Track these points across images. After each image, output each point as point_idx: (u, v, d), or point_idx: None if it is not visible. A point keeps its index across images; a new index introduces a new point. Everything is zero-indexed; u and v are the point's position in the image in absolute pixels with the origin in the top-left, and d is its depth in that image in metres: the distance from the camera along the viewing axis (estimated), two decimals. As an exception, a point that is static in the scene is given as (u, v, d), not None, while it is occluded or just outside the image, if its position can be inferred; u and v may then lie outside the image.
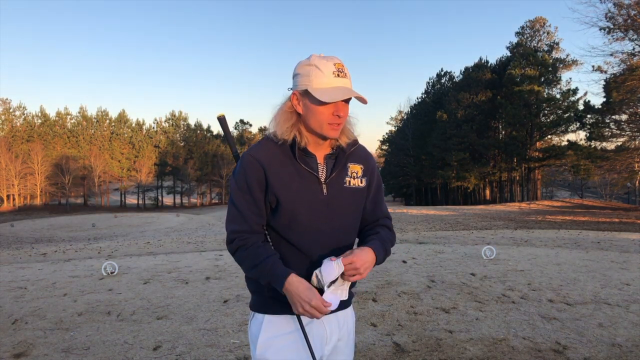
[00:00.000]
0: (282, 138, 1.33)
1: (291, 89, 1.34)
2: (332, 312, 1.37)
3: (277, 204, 1.32)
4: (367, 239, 1.42)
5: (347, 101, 1.31)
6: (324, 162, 1.37)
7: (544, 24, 47.42)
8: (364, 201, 1.45)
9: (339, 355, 1.46)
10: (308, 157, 1.35)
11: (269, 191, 1.32)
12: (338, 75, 1.26)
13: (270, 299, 1.37)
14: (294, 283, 1.26)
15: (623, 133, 34.89)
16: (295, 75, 1.32)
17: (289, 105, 1.35)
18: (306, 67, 1.28)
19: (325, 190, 1.35)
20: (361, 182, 1.42)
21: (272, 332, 1.36)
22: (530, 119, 45.23)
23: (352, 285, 1.44)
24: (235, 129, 77.04)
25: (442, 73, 61.78)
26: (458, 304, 4.30)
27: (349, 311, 1.50)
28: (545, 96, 45.01)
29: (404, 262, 6.71)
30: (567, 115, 43.62)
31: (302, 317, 1.36)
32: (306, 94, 1.28)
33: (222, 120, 1.54)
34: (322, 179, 1.35)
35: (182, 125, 74.57)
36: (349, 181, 1.40)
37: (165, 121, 74.55)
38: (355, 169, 1.42)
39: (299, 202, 1.31)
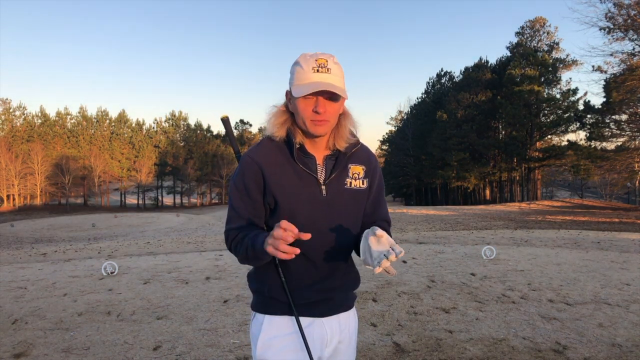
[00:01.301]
0: (274, 135, 1.33)
1: None
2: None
3: (276, 204, 1.32)
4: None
5: (332, 99, 1.27)
6: (323, 163, 1.37)
7: (544, 24, 47.43)
8: (365, 202, 1.44)
9: (339, 357, 1.45)
10: (307, 157, 1.34)
11: (267, 192, 1.32)
12: (317, 70, 1.25)
13: (271, 300, 1.37)
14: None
15: (623, 133, 34.88)
16: (289, 74, 1.35)
17: (282, 104, 1.37)
18: (294, 67, 1.30)
19: (324, 192, 1.34)
20: (363, 184, 1.41)
21: (272, 332, 1.35)
22: (530, 119, 45.23)
23: (355, 286, 1.45)
24: (236, 128, 77.01)
25: (442, 73, 61.80)
26: (458, 304, 4.30)
27: (351, 313, 1.49)
28: (545, 96, 45.00)
29: (404, 262, 6.71)
30: (567, 115, 43.62)
31: (301, 319, 1.36)
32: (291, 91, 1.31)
33: (225, 121, 1.55)
34: (321, 180, 1.34)
35: (182, 125, 74.57)
36: (350, 182, 1.39)
37: (165, 121, 74.57)
38: (357, 170, 1.41)
39: (297, 202, 1.31)
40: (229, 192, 1.38)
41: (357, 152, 1.42)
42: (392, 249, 1.14)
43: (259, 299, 1.41)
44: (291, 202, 1.31)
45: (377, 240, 1.18)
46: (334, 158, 1.37)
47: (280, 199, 1.31)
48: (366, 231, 1.23)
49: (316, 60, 1.26)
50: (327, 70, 1.26)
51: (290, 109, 1.35)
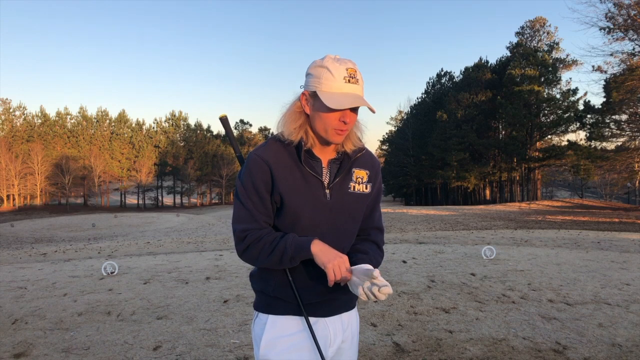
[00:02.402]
0: (288, 138, 1.32)
1: (302, 87, 1.33)
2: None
3: (282, 204, 1.32)
4: (357, 257, 1.37)
5: (355, 110, 1.29)
6: (327, 167, 1.37)
7: (544, 24, 47.46)
8: (367, 206, 1.44)
9: (342, 357, 1.46)
10: (313, 160, 1.34)
11: (274, 191, 1.31)
12: (349, 81, 1.24)
13: (275, 299, 1.37)
14: (322, 243, 1.27)
15: (623, 133, 34.92)
16: (307, 75, 1.31)
17: (297, 105, 1.34)
18: (318, 69, 1.26)
19: (328, 195, 1.34)
20: (366, 188, 1.41)
21: (275, 332, 1.35)
22: (530, 119, 45.25)
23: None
24: (235, 128, 77.07)
25: (442, 73, 61.82)
26: (458, 304, 4.30)
27: (353, 313, 1.49)
28: (545, 96, 45.03)
29: (404, 262, 6.71)
30: (567, 115, 43.64)
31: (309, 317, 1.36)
32: (315, 96, 1.27)
33: (224, 121, 1.53)
34: (326, 184, 1.35)
35: (182, 125, 74.59)
36: (354, 186, 1.38)
37: (165, 121, 74.59)
38: (361, 174, 1.40)
39: (302, 204, 1.31)
40: (236, 191, 1.37)
41: (362, 156, 1.42)
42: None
43: (263, 298, 1.40)
44: (296, 203, 1.31)
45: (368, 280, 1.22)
46: (339, 162, 1.37)
47: (286, 199, 1.30)
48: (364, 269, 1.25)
49: (347, 70, 1.25)
50: (357, 82, 1.26)
51: (306, 111, 1.32)
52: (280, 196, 1.30)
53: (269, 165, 1.30)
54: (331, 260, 1.23)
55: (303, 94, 1.32)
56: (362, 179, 1.40)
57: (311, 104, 1.30)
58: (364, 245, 1.43)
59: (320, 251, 1.24)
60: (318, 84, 1.25)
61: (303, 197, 1.31)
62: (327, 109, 1.24)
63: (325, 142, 1.32)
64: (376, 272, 1.19)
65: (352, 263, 1.33)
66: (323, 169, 1.36)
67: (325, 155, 1.37)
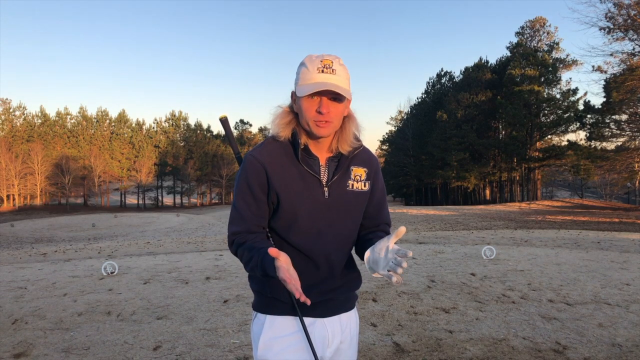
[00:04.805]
0: (279, 135, 1.33)
1: None
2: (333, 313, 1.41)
3: (278, 204, 1.32)
4: (370, 239, 1.39)
5: (336, 100, 1.27)
6: (325, 165, 1.37)
7: (544, 24, 47.43)
8: (365, 204, 1.43)
9: (341, 357, 1.45)
10: (311, 159, 1.34)
11: (271, 191, 1.31)
12: (322, 71, 1.25)
13: (273, 300, 1.37)
14: (284, 262, 1.18)
15: (623, 133, 34.92)
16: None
17: (287, 105, 1.37)
18: (299, 67, 1.30)
19: (327, 193, 1.34)
20: (364, 186, 1.41)
21: (273, 332, 1.35)
22: (530, 119, 45.24)
23: (356, 286, 1.46)
24: (235, 128, 77.05)
25: (442, 73, 61.77)
26: (458, 304, 4.30)
27: (353, 314, 1.49)
28: (545, 96, 45.01)
29: (404, 262, 6.70)
30: (567, 115, 43.62)
31: (304, 318, 1.36)
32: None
33: (224, 121, 1.54)
34: (324, 182, 1.34)
35: (182, 125, 74.56)
36: (352, 184, 1.38)
37: (165, 121, 74.56)
38: (359, 172, 1.40)
39: (300, 203, 1.31)
40: (233, 192, 1.38)
41: (359, 154, 1.42)
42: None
43: (261, 299, 1.40)
44: (294, 203, 1.30)
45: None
46: (337, 160, 1.37)
47: (283, 199, 1.30)
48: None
49: (322, 61, 1.26)
50: (332, 71, 1.26)
51: (295, 110, 1.34)
52: (277, 195, 1.30)
53: (264, 166, 1.31)
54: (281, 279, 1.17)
55: (291, 94, 1.36)
56: (360, 176, 1.40)
57: (296, 102, 1.33)
58: (375, 233, 1.43)
59: (282, 270, 1.17)
60: (297, 80, 1.29)
61: (300, 195, 1.31)
62: (302, 100, 1.27)
63: (314, 137, 1.32)
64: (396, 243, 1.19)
65: (366, 249, 1.34)
66: (321, 167, 1.36)
67: (322, 154, 1.37)
